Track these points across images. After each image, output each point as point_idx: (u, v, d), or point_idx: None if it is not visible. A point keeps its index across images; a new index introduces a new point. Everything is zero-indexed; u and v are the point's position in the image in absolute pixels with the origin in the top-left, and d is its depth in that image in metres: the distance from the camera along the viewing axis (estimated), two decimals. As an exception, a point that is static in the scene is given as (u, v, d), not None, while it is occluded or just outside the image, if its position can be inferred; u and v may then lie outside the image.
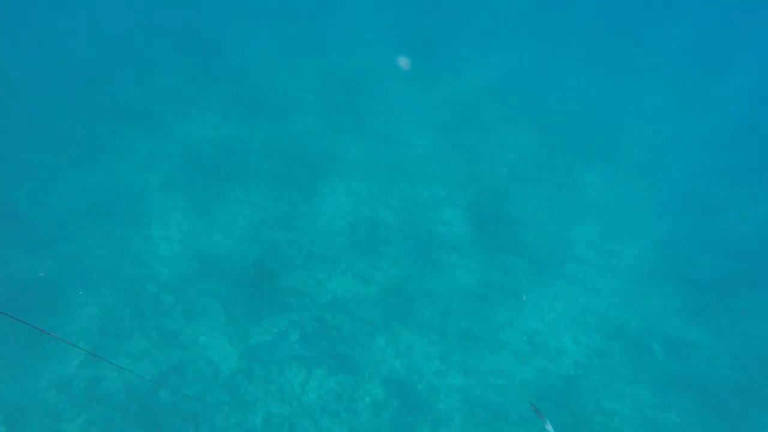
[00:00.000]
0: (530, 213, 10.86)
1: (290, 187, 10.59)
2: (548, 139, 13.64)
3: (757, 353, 8.40)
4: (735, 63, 20.68)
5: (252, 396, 7.05)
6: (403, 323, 8.21)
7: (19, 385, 6.71)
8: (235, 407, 6.89)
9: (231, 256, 8.96)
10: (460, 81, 16.32)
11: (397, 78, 15.53)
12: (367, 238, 9.58)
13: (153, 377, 7.09)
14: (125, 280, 8.34)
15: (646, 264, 9.92)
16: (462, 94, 15.46)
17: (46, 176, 10.01)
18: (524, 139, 13.57)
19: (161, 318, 7.91)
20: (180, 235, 9.26)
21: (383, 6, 19.04)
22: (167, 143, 11.46)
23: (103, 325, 7.63)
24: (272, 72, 15.01)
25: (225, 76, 14.41)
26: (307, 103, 13.83)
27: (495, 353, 7.94)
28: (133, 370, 7.01)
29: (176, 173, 10.63)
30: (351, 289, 8.64)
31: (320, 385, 7.29)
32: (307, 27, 18.29)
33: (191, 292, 8.35)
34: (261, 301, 8.34)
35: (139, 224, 9.33)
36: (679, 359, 8.18)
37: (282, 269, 8.81)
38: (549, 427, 5.44)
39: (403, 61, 15.32)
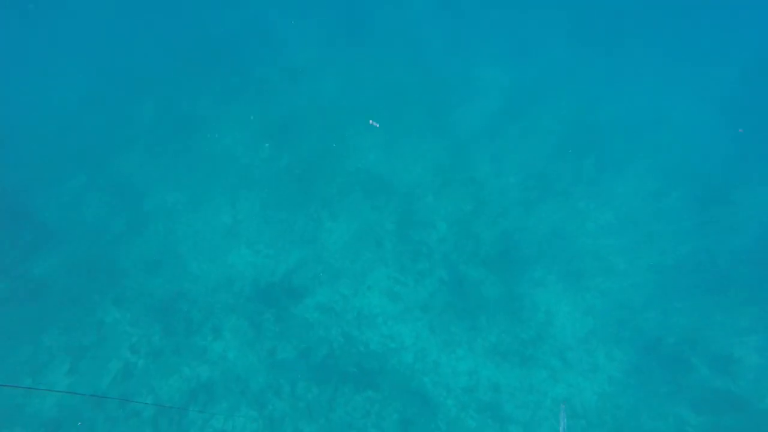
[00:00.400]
0: (558, 225, 10.62)
1: (315, 204, 10.70)
2: (575, 149, 13.41)
3: (810, 369, 7.87)
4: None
5: (280, 412, 7.04)
6: (430, 339, 8.09)
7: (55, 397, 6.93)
8: (264, 424, 6.89)
9: (259, 273, 9.08)
10: (473, 103, 16.31)
11: (413, 93, 15.64)
12: (393, 254, 9.55)
13: (183, 394, 7.19)
14: (155, 297, 8.55)
15: (684, 275, 9.50)
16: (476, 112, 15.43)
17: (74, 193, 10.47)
18: (549, 151, 13.38)
19: (191, 335, 8.05)
20: (209, 252, 9.46)
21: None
22: (195, 161, 11.79)
23: (134, 342, 7.82)
24: (300, 93, 15.36)
25: (253, 97, 14.81)
26: (330, 121, 14.05)
27: (526, 369, 7.71)
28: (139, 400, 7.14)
29: (203, 192, 10.89)
30: (377, 304, 8.60)
31: (347, 401, 7.22)
32: (335, 50, 18.72)
33: (219, 308, 8.48)
34: (288, 317, 8.39)
35: (170, 242, 9.59)
36: (724, 376, 7.73)
37: (308, 285, 8.87)
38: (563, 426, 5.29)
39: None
